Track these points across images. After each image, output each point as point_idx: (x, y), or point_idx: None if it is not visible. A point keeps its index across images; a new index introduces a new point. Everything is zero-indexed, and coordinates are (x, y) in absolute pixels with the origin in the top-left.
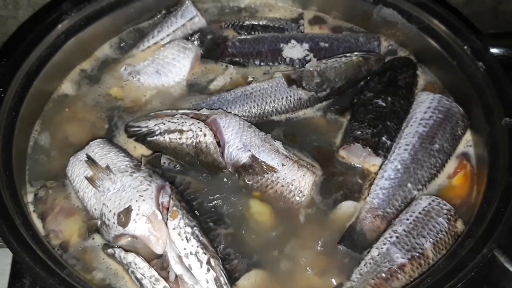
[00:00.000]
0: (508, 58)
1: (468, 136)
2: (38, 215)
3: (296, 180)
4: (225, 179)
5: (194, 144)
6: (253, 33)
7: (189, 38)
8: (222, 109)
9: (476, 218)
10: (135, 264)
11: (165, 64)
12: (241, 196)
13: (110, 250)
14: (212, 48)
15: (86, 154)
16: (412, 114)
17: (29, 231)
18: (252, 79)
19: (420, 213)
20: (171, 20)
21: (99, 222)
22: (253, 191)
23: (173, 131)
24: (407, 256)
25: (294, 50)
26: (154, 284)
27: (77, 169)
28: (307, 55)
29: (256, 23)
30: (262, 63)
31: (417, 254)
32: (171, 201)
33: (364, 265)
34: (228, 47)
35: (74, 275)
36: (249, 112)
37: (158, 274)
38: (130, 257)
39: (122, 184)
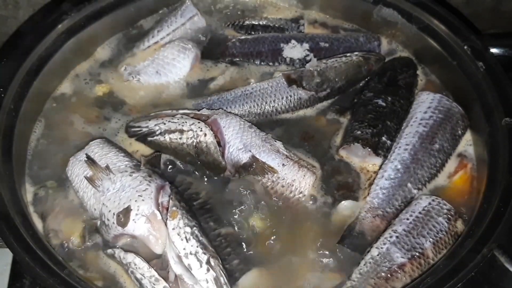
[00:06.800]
0: (508, 58)
1: (468, 136)
2: (38, 215)
3: (297, 180)
4: (225, 179)
5: (194, 144)
6: (253, 33)
7: (189, 37)
8: (222, 109)
9: (476, 218)
10: (135, 264)
11: (165, 64)
12: (242, 195)
13: (109, 250)
14: (212, 48)
15: (86, 154)
16: (412, 114)
17: (29, 231)
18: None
19: (420, 212)
20: (171, 20)
21: (98, 222)
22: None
23: (173, 131)
24: (407, 256)
25: (294, 50)
26: (153, 284)
27: (77, 169)
28: (307, 55)
29: (256, 23)
30: (262, 63)
31: (417, 254)
32: (170, 201)
33: (364, 265)
34: (229, 47)
35: (74, 275)
36: (249, 112)
37: (158, 274)
38: (130, 257)
39: (122, 184)
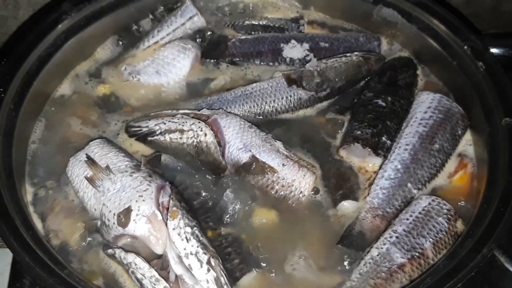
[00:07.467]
0: (508, 58)
1: (468, 136)
2: (38, 215)
3: (297, 180)
4: (225, 179)
5: (194, 144)
6: (253, 33)
7: (189, 37)
8: (222, 109)
9: (476, 218)
10: (135, 265)
11: (165, 64)
12: (241, 196)
13: (110, 251)
14: (212, 48)
15: (86, 154)
16: (412, 114)
17: (29, 231)
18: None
19: (420, 213)
20: (171, 20)
21: (99, 222)
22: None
23: (173, 131)
24: (407, 256)
25: (294, 50)
26: (154, 284)
27: (77, 169)
28: (307, 55)
29: (256, 23)
30: (262, 63)
31: (417, 254)
32: (171, 201)
33: (364, 265)
34: (229, 47)
35: (74, 275)
36: (249, 112)
37: (158, 274)
38: (130, 258)
39: (122, 184)
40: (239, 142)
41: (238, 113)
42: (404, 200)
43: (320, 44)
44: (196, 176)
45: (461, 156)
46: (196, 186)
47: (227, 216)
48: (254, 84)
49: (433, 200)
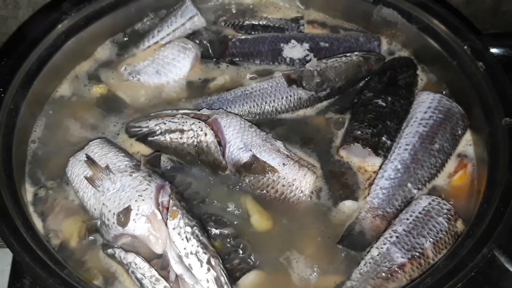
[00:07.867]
0: (508, 58)
1: (468, 136)
2: (38, 215)
3: (297, 180)
4: (225, 179)
5: (195, 143)
6: (253, 33)
7: (189, 37)
8: (222, 109)
9: (476, 218)
10: (135, 264)
11: (165, 64)
12: (242, 196)
13: (110, 250)
14: (212, 48)
15: (86, 154)
16: (412, 114)
17: (29, 231)
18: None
19: (420, 212)
20: (171, 20)
21: (99, 222)
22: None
23: (174, 131)
24: (407, 256)
25: (294, 50)
26: (154, 284)
27: (77, 169)
28: (307, 55)
29: (256, 23)
30: (262, 63)
31: (417, 254)
32: (170, 200)
33: (364, 265)
34: (229, 47)
35: (74, 275)
36: (249, 111)
37: (158, 274)
38: (130, 257)
39: (122, 184)
40: (240, 142)
41: (238, 113)
42: (404, 200)
43: (320, 44)
44: (196, 176)
45: (461, 156)
46: (196, 185)
47: (227, 215)
48: (254, 84)
49: (433, 200)
